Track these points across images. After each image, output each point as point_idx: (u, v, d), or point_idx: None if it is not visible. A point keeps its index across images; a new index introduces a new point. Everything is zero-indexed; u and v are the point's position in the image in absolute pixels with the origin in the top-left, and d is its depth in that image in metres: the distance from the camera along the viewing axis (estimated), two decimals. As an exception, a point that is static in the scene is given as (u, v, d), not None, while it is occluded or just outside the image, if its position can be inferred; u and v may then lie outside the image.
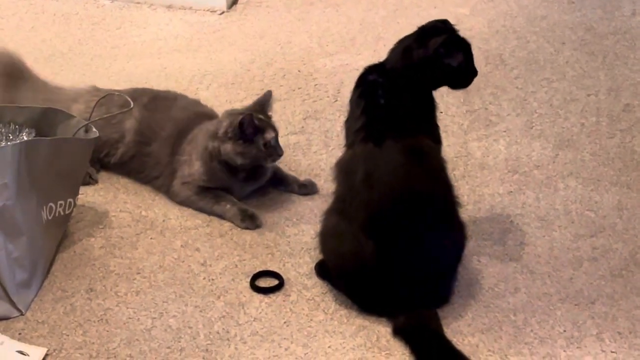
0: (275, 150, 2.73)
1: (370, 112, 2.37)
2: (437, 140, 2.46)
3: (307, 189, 2.84)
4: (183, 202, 2.79)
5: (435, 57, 2.38)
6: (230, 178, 2.77)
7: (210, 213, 2.75)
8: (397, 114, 2.36)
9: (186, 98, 3.00)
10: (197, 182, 2.77)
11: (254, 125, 2.68)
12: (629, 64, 3.46)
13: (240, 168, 2.74)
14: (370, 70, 2.44)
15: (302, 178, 2.87)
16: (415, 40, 2.41)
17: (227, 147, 2.70)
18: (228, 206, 2.73)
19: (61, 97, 2.98)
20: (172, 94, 2.99)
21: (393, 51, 2.44)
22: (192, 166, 2.77)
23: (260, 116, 2.74)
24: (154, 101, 2.92)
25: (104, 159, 2.91)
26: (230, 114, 2.77)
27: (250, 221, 2.71)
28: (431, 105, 2.45)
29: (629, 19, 3.76)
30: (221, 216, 2.74)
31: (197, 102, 3.00)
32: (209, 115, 2.92)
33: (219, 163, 2.74)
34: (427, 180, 2.33)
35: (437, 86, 2.46)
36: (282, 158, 2.77)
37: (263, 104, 2.80)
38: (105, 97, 2.82)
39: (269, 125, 2.74)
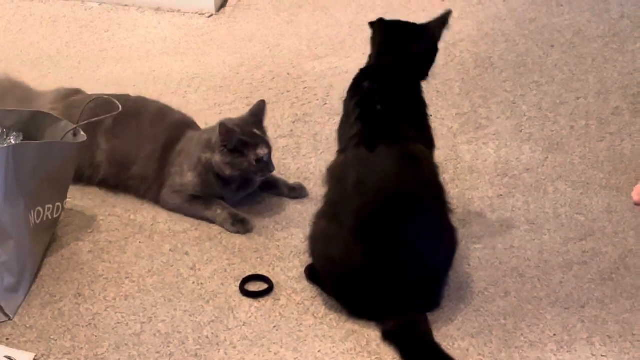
0: (267, 167, 2.70)
1: (366, 119, 2.37)
2: (430, 143, 2.46)
3: (297, 192, 2.83)
4: (173, 210, 2.77)
5: (436, 41, 2.53)
6: (223, 188, 2.75)
7: (200, 218, 2.74)
8: (393, 120, 2.36)
9: (150, 106, 2.90)
10: (189, 192, 2.75)
11: (232, 133, 2.65)
12: (618, 67, 3.46)
13: (230, 179, 2.73)
14: (363, 76, 2.44)
15: (291, 181, 2.86)
16: (408, 38, 2.48)
17: (217, 157, 2.69)
18: (218, 211, 2.72)
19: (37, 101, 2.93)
20: (133, 107, 2.84)
21: (383, 55, 2.44)
22: (184, 177, 2.75)
23: (256, 130, 2.71)
24: (119, 124, 2.81)
25: (89, 179, 2.87)
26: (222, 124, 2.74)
27: (241, 226, 2.70)
28: (423, 105, 2.47)
29: (617, 22, 3.76)
30: (212, 221, 2.73)
31: (164, 109, 2.90)
32: (186, 122, 2.88)
33: (214, 175, 2.72)
34: (418, 185, 2.33)
35: (429, 69, 2.54)
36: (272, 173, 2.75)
37: (259, 115, 2.77)
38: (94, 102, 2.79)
39: (263, 141, 2.71)
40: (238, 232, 2.69)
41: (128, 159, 2.81)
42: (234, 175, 2.71)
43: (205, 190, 2.74)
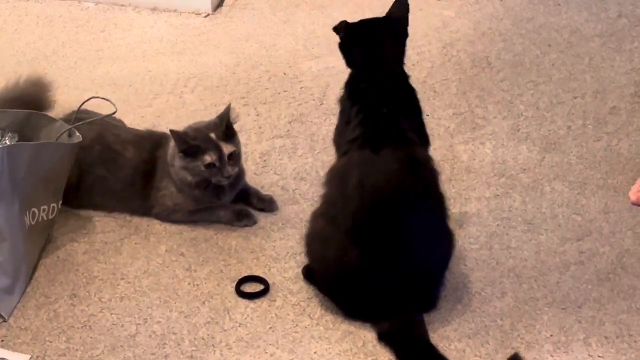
0: (219, 172, 2.63)
1: (370, 122, 2.34)
2: (426, 140, 2.44)
3: (265, 204, 2.77)
4: (178, 223, 2.75)
5: (405, 27, 2.48)
6: (216, 195, 2.71)
7: (204, 222, 2.73)
8: (397, 121, 2.34)
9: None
10: (186, 209, 2.73)
11: (182, 137, 2.61)
12: (615, 67, 3.45)
13: (195, 185, 2.67)
14: (358, 80, 2.41)
15: (264, 193, 2.81)
16: (384, 34, 2.45)
17: (177, 164, 2.65)
18: (222, 212, 2.72)
19: None
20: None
21: (369, 56, 2.42)
22: (174, 198, 2.71)
23: (212, 135, 2.64)
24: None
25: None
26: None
27: (247, 219, 2.71)
28: (417, 101, 2.45)
29: (615, 22, 3.76)
30: (217, 222, 2.71)
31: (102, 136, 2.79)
32: (146, 136, 2.83)
33: (198, 187, 2.68)
34: (418, 189, 2.32)
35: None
36: (231, 179, 2.67)
37: (222, 118, 2.67)
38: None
39: (214, 147, 2.61)
40: (247, 225, 2.70)
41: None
42: (197, 181, 2.65)
43: (201, 202, 2.71)
